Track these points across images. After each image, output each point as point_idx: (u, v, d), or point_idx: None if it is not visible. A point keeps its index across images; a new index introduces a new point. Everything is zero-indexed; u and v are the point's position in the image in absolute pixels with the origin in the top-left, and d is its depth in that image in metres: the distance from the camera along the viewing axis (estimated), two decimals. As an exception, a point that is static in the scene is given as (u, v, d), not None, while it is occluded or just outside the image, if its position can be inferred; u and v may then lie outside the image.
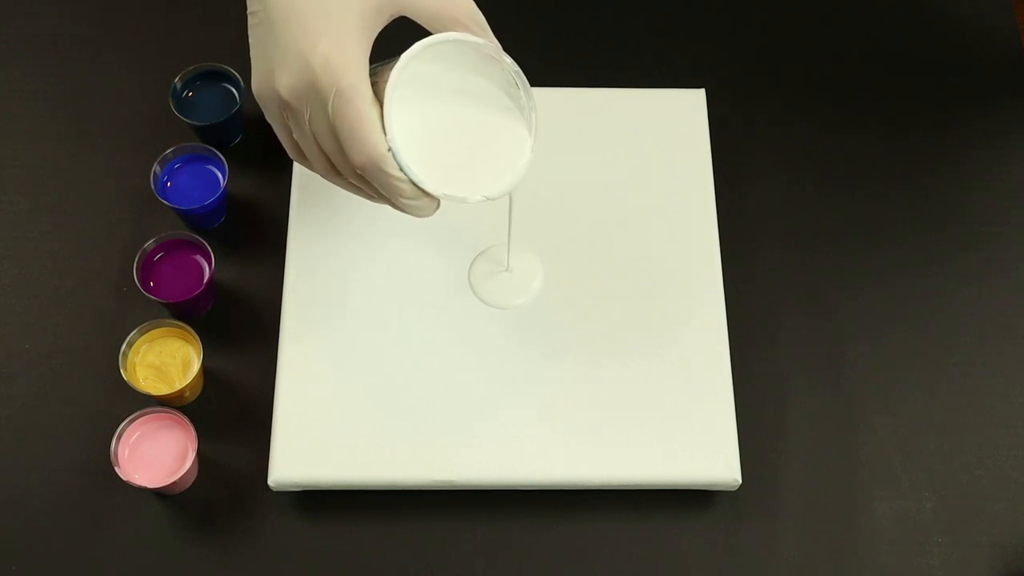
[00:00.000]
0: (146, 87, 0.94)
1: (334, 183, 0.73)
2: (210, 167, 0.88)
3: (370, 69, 0.68)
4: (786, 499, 0.83)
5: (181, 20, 0.98)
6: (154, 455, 0.80)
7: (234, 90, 0.91)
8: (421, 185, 0.69)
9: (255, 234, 0.89)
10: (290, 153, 0.74)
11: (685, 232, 0.87)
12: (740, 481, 0.80)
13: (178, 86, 0.90)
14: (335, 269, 0.85)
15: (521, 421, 0.81)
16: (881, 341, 0.87)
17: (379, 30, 0.69)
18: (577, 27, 0.98)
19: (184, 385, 0.81)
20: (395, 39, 0.70)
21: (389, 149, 0.67)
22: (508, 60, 0.70)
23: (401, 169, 0.68)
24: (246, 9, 0.71)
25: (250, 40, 0.71)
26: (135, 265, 0.84)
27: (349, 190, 0.73)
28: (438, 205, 0.71)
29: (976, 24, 1.00)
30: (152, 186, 0.87)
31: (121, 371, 0.81)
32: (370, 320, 0.84)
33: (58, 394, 0.84)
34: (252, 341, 0.86)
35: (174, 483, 0.78)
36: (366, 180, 0.70)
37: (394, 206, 0.71)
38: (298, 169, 0.88)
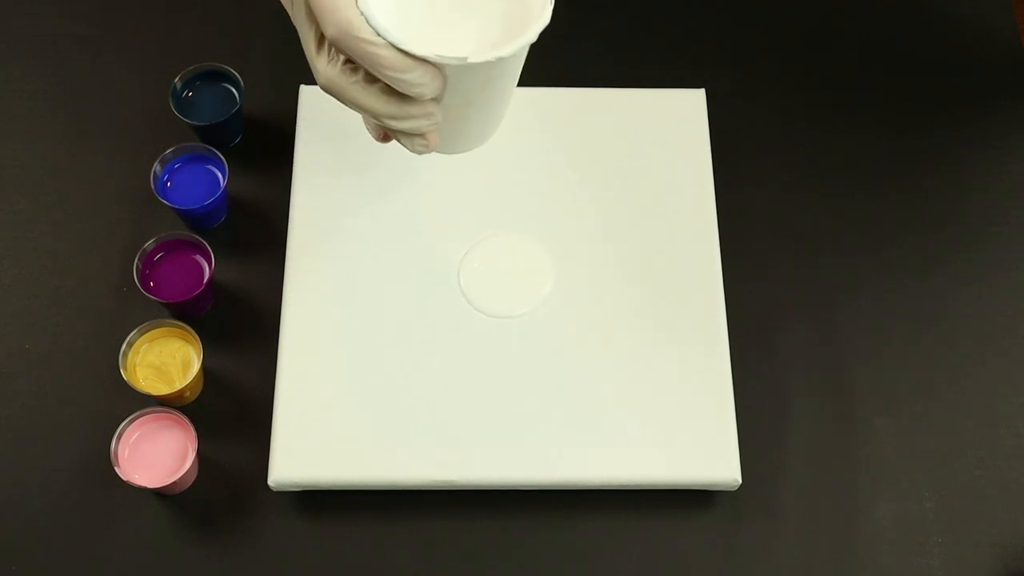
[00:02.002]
0: (146, 87, 0.94)
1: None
2: (210, 167, 0.88)
3: None
4: (786, 499, 0.83)
5: (181, 20, 0.97)
6: (154, 455, 0.80)
7: (234, 90, 0.91)
8: (402, 46, 0.61)
9: (255, 234, 0.89)
10: None
11: (685, 232, 0.87)
12: (740, 481, 0.80)
13: (178, 86, 0.90)
14: (335, 269, 0.85)
15: (521, 421, 0.81)
16: (881, 341, 0.87)
17: None
18: (577, 27, 0.98)
19: (184, 385, 0.81)
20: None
21: (362, 15, 0.61)
22: None
23: (379, 35, 0.61)
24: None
25: None
26: (135, 265, 0.84)
27: (366, 105, 0.66)
28: (442, 97, 0.64)
29: (976, 24, 1.00)
30: (152, 186, 0.87)
31: (121, 371, 0.81)
32: (370, 320, 0.83)
33: (58, 394, 0.84)
34: (252, 341, 0.86)
35: (174, 483, 0.78)
36: (381, 82, 0.63)
37: (401, 130, 0.65)
38: (298, 169, 0.88)
